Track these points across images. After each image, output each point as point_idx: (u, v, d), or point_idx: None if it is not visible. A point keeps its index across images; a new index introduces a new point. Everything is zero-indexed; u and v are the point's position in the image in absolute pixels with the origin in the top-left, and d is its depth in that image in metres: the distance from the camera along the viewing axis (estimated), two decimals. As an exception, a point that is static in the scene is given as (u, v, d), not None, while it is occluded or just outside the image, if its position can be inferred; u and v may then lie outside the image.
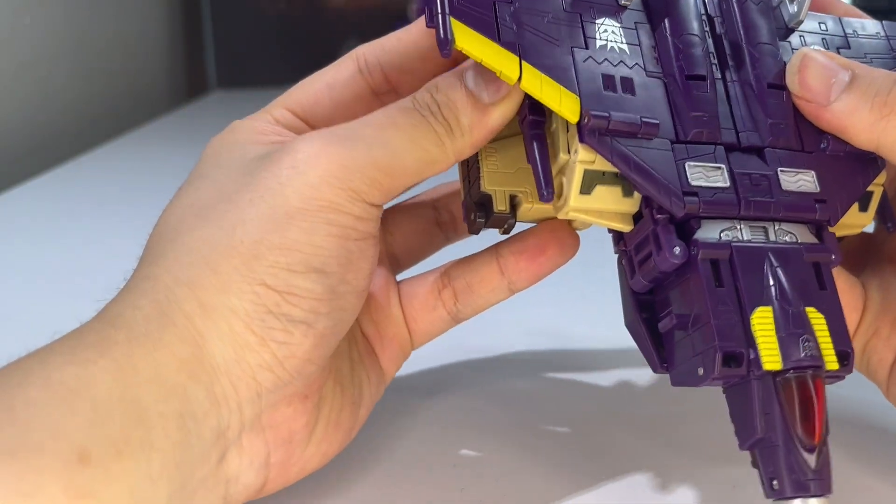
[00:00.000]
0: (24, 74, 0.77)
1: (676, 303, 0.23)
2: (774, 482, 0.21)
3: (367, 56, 0.27)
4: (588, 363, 0.35)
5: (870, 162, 0.24)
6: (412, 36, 0.27)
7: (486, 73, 0.24)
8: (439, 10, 0.22)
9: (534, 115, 0.24)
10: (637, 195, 0.24)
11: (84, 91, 0.89)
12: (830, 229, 0.24)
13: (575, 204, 0.24)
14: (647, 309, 0.24)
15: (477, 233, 0.27)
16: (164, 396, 0.21)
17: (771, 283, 0.22)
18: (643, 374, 0.34)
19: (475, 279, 0.28)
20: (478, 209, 0.26)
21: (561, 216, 0.24)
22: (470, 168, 0.27)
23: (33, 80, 0.79)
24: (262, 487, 0.24)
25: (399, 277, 0.29)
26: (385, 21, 1.13)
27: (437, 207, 0.30)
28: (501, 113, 0.24)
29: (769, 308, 0.21)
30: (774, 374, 0.21)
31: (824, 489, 0.20)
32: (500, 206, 0.26)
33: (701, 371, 0.22)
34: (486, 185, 0.26)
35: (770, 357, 0.21)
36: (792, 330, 0.21)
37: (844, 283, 0.27)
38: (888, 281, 0.27)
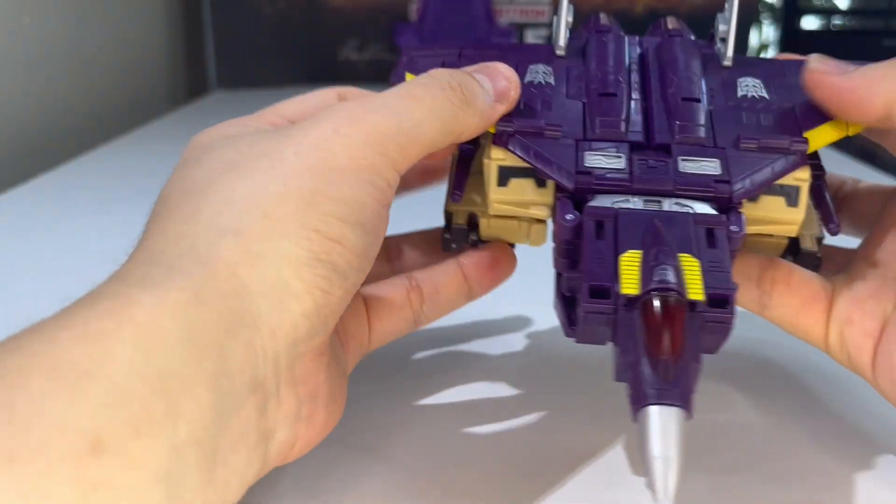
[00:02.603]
0: (23, 74, 0.77)
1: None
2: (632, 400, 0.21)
3: (347, 96, 0.30)
4: (591, 364, 0.35)
5: (786, 155, 0.25)
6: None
7: (493, 81, 0.27)
8: (400, 66, 0.28)
9: (463, 154, 0.29)
10: (551, 185, 0.27)
11: (84, 91, 0.89)
12: (743, 211, 0.25)
13: (494, 196, 0.27)
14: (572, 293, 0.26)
15: (447, 249, 0.30)
16: (195, 358, 0.19)
17: (647, 233, 0.23)
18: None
19: (441, 282, 0.30)
20: (445, 229, 0.30)
21: (491, 212, 0.28)
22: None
23: (33, 79, 0.79)
24: (292, 447, 0.24)
25: None
26: (385, 21, 1.14)
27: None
28: (504, 109, 0.27)
29: (639, 252, 0.23)
30: (635, 301, 0.21)
31: (674, 399, 0.20)
32: (459, 220, 0.30)
33: (580, 311, 0.22)
34: (448, 206, 0.30)
35: (628, 284, 0.22)
36: (653, 263, 0.22)
37: (800, 275, 0.27)
38: (855, 269, 0.27)
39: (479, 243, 0.30)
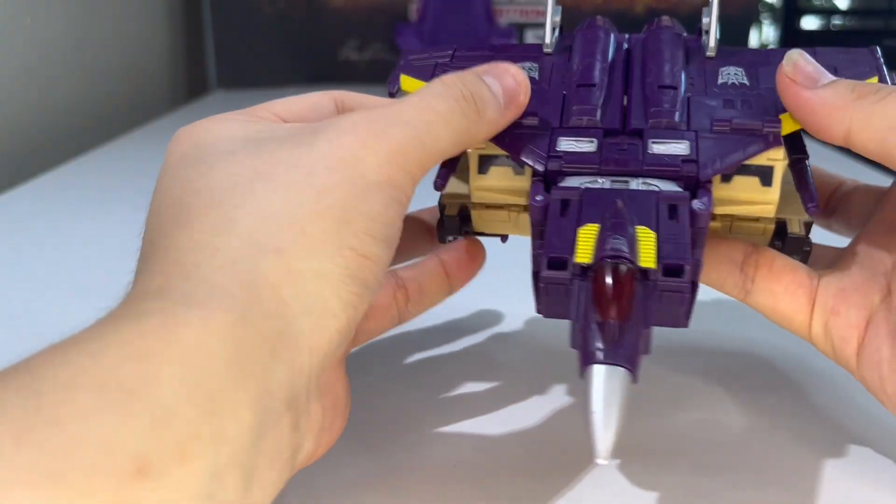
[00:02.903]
0: (24, 75, 0.77)
1: None
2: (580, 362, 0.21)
3: (344, 101, 0.30)
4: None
5: (756, 138, 0.26)
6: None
7: (502, 82, 0.27)
8: (397, 69, 0.30)
9: None
10: (528, 172, 0.28)
11: (84, 91, 0.89)
12: (712, 190, 0.25)
13: (475, 183, 0.29)
14: None
15: (443, 241, 0.31)
16: (241, 380, 0.19)
17: (608, 208, 0.24)
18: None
19: (426, 281, 0.31)
20: (440, 220, 0.31)
21: (473, 199, 0.29)
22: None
23: (33, 80, 0.79)
24: (312, 455, 0.24)
25: None
26: (385, 21, 1.14)
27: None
28: (512, 115, 0.27)
29: (598, 225, 0.23)
30: (589, 269, 0.22)
31: (617, 359, 0.21)
32: (450, 211, 0.30)
33: (540, 282, 0.23)
34: (442, 199, 0.30)
35: (583, 253, 0.23)
36: (608, 234, 0.23)
37: (784, 261, 0.27)
38: (843, 263, 0.28)
39: (471, 235, 0.31)
